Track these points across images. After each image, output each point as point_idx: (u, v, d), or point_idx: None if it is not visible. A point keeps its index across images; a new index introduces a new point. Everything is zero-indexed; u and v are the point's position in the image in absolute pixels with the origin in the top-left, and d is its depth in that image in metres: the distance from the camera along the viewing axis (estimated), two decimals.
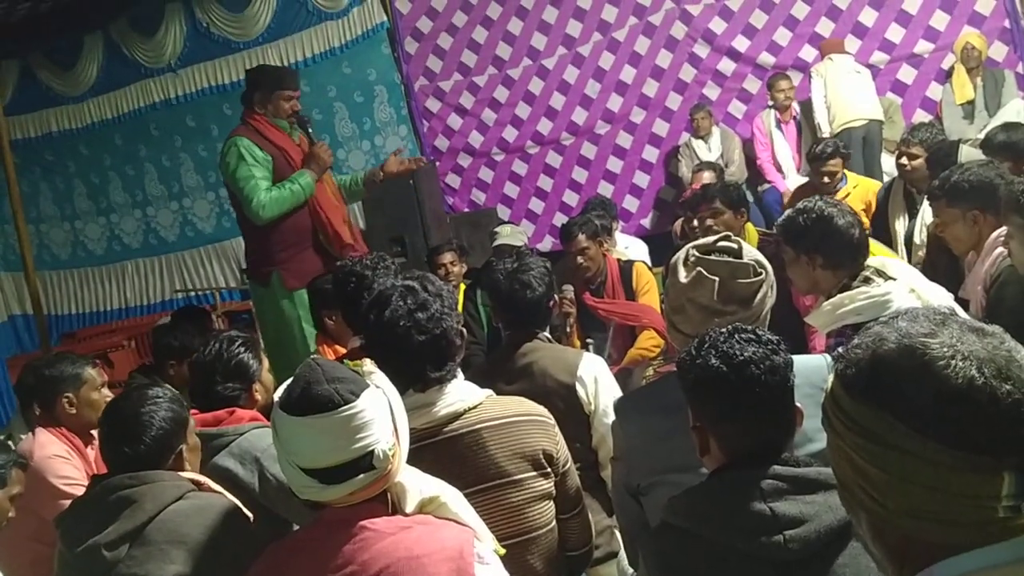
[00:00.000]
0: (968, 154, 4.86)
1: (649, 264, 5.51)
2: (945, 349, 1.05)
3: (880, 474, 1.08)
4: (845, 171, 5.70)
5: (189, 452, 2.39)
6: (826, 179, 5.58)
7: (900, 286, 2.80)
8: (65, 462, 3.42)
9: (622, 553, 2.81)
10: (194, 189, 9.54)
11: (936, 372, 1.04)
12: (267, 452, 2.58)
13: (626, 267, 5.00)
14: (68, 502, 2.51)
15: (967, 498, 1.03)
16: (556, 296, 3.24)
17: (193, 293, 9.51)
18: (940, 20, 7.67)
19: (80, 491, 3.11)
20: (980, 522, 1.03)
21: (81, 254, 10.21)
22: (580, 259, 4.88)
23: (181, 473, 2.32)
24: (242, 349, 2.85)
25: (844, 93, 7.29)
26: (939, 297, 2.85)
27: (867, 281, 2.87)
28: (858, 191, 5.64)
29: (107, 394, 3.55)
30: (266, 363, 2.99)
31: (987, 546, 1.03)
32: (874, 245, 4.42)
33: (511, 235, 6.08)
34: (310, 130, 4.90)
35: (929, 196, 3.78)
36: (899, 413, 1.05)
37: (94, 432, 3.52)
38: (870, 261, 2.96)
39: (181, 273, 9.74)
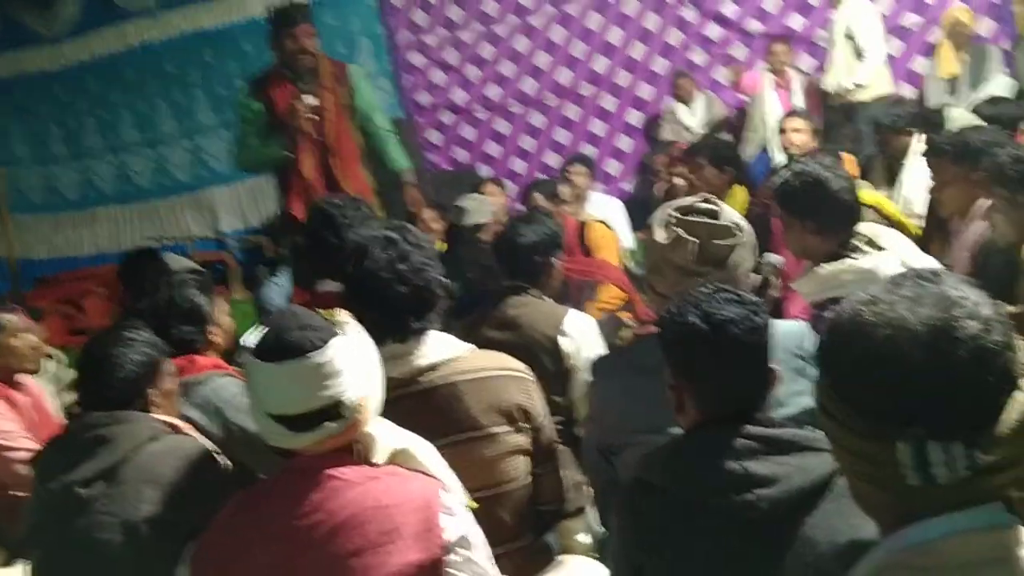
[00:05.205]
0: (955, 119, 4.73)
1: (626, 223, 5.51)
2: (874, 317, 1.06)
3: (828, 435, 1.15)
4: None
5: (162, 397, 2.36)
6: (793, 136, 5.58)
7: (888, 258, 2.76)
8: None
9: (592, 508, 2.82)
10: (170, 137, 9.36)
11: (860, 339, 1.06)
12: (230, 403, 2.57)
13: (580, 225, 5.03)
14: (9, 455, 2.48)
15: (880, 465, 1.05)
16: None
17: (167, 241, 9.38)
18: None
19: (19, 443, 3.10)
20: (908, 490, 1.04)
21: (55, 199, 10.05)
22: None
23: (156, 415, 2.31)
24: (195, 291, 2.81)
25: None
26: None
27: (856, 250, 2.82)
28: None
29: (30, 340, 3.46)
30: (223, 304, 2.94)
31: (957, 512, 1.04)
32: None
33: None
34: (300, 85, 4.71)
35: (933, 152, 3.68)
36: (832, 379, 1.11)
37: (21, 378, 3.48)
38: (863, 229, 2.87)
39: (155, 221, 9.62)
